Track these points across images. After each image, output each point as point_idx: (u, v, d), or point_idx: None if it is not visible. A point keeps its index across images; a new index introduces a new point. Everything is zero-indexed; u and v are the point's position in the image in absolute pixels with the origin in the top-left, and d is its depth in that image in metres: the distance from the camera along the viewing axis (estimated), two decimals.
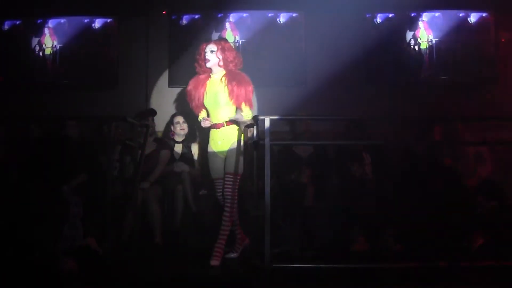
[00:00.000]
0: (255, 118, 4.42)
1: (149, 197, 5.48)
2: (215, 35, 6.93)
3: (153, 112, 6.09)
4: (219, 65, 4.77)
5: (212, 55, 4.74)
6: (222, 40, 4.98)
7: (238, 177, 4.71)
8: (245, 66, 4.92)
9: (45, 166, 3.55)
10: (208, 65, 4.77)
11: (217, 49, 4.75)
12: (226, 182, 4.67)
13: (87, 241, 3.64)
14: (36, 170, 3.54)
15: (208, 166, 4.87)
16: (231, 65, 4.78)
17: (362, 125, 5.95)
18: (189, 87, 4.86)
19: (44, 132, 5.67)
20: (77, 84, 7.14)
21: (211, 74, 4.82)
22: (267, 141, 4.10)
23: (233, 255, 4.91)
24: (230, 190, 4.66)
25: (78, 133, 6.06)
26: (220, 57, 4.75)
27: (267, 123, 4.16)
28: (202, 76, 4.85)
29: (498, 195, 5.50)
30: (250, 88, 4.76)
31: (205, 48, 4.78)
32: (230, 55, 4.78)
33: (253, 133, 4.66)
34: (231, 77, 4.73)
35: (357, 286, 4.09)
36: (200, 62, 4.82)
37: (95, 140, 6.19)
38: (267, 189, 4.04)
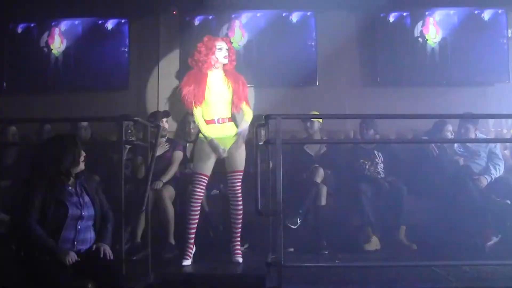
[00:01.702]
0: (266, 117, 4.42)
1: (161, 197, 5.49)
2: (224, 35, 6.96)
3: (167, 114, 6.09)
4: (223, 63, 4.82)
5: (227, 53, 4.78)
6: (229, 39, 5.05)
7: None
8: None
9: (46, 167, 3.55)
10: (224, 61, 4.78)
11: (229, 48, 4.82)
12: (236, 180, 4.77)
13: (97, 245, 3.63)
14: (39, 171, 3.55)
15: (196, 161, 4.79)
16: (231, 65, 4.86)
17: (374, 124, 5.93)
18: (191, 81, 4.74)
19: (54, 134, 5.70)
20: (89, 85, 7.18)
21: (209, 70, 4.79)
22: (278, 140, 4.09)
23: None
24: (240, 187, 4.78)
25: (89, 134, 6.11)
26: (229, 55, 4.82)
27: (278, 122, 4.14)
28: (199, 72, 4.79)
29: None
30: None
31: (218, 44, 4.77)
32: (234, 56, 4.89)
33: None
34: (236, 77, 4.84)
35: (370, 285, 4.09)
36: (210, 56, 4.74)
37: (106, 141, 6.22)
38: (279, 188, 4.03)
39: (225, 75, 4.82)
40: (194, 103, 4.71)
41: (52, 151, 3.57)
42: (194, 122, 6.05)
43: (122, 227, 4.03)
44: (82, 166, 3.69)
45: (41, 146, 3.84)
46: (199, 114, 4.76)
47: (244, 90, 4.82)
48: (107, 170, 5.57)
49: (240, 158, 4.78)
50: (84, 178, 3.71)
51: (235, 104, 4.80)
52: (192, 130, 6.13)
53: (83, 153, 3.69)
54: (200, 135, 4.81)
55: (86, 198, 3.66)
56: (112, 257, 3.58)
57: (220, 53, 4.75)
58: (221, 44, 4.77)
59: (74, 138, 3.76)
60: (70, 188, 3.61)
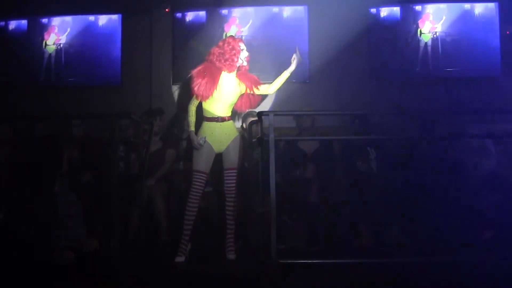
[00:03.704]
0: (259, 114, 4.43)
1: (155, 194, 5.50)
2: (218, 32, 6.95)
3: (160, 112, 6.09)
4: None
5: (247, 54, 4.83)
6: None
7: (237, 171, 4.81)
8: (250, 61, 4.92)
9: (34, 167, 3.56)
10: (245, 63, 4.82)
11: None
12: (231, 177, 4.78)
13: (88, 242, 3.64)
14: (27, 171, 3.55)
15: (195, 158, 4.73)
16: (246, 66, 4.87)
17: (366, 120, 5.93)
18: (207, 74, 4.71)
19: (47, 132, 5.69)
20: (81, 83, 7.15)
21: (230, 71, 4.79)
22: (271, 137, 4.09)
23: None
24: (235, 184, 4.78)
25: (82, 132, 6.09)
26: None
27: (271, 119, 4.15)
28: (215, 68, 4.77)
29: (503, 189, 5.48)
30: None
31: (241, 45, 4.82)
32: (248, 58, 4.90)
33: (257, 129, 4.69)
34: (248, 75, 4.89)
35: (363, 281, 4.10)
36: (236, 55, 4.76)
37: (99, 139, 6.21)
38: (272, 185, 4.04)
39: (237, 76, 4.83)
40: (202, 96, 4.69)
41: (35, 153, 3.58)
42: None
43: (115, 224, 4.04)
44: (65, 166, 3.70)
45: (24, 147, 3.85)
46: (194, 109, 4.75)
47: (251, 77, 4.88)
48: (100, 167, 5.56)
49: (236, 156, 4.78)
50: (70, 176, 3.73)
51: (254, 89, 4.86)
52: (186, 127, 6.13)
53: (66, 154, 3.70)
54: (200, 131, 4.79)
55: (73, 196, 3.68)
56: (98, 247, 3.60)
57: (243, 53, 4.79)
58: (243, 46, 4.82)
59: (56, 140, 3.77)
60: (56, 188, 3.62)
